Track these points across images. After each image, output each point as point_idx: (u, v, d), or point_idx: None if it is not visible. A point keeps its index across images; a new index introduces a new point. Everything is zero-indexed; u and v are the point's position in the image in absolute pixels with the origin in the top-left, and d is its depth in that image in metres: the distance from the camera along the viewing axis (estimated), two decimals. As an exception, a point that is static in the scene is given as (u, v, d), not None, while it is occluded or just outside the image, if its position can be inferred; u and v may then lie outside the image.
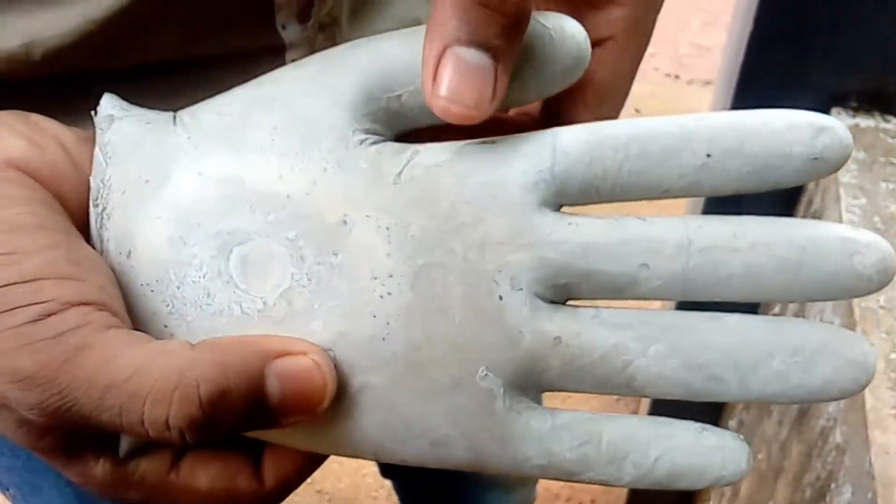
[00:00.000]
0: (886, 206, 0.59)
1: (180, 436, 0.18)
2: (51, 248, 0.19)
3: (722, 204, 0.83)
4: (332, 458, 0.23)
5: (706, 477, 0.20)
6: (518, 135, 0.21)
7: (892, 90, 0.71)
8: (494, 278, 0.20)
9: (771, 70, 0.75)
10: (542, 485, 0.99)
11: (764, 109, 0.20)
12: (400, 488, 0.76)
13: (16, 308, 0.18)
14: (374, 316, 0.20)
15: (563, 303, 0.21)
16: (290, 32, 0.31)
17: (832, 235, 0.19)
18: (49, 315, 0.18)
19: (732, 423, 0.82)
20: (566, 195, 0.20)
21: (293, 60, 0.32)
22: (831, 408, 0.52)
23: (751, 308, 0.21)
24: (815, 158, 0.19)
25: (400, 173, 0.20)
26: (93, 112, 0.22)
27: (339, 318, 0.20)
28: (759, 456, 0.69)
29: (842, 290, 0.19)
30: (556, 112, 0.25)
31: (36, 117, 0.22)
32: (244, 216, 0.20)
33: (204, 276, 0.20)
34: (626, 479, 0.20)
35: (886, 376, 0.45)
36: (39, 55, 0.26)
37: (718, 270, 0.20)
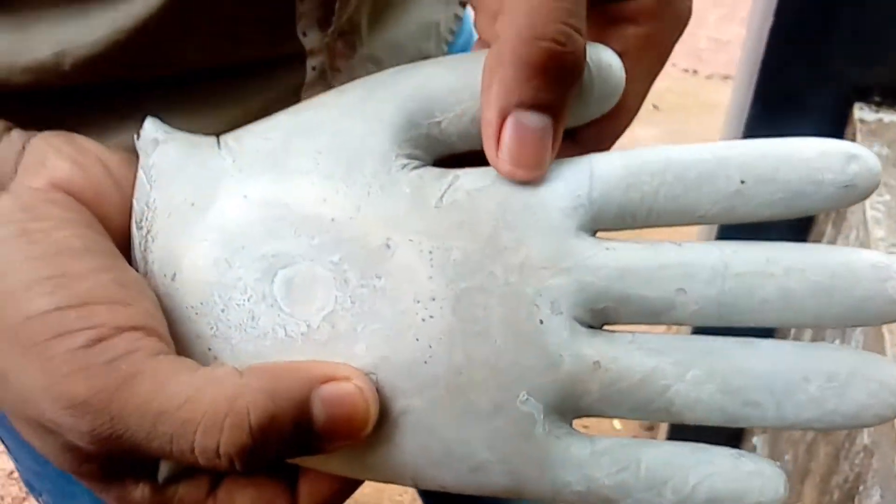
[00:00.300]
0: (913, 203, 0.58)
1: (230, 463, 0.18)
2: (100, 272, 0.19)
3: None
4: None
5: (745, 502, 0.20)
6: (556, 160, 0.21)
7: (917, 84, 0.70)
8: (535, 302, 0.20)
9: (792, 64, 0.74)
10: None
11: (795, 137, 0.20)
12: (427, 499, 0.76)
13: (68, 333, 0.18)
14: (417, 339, 0.20)
15: (601, 327, 0.21)
16: (310, 39, 0.31)
17: (864, 261, 0.20)
18: (101, 340, 0.18)
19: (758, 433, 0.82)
20: (603, 220, 0.21)
21: (313, 67, 0.32)
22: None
23: (767, 331, 0.21)
24: (847, 186, 0.20)
25: (441, 197, 0.21)
26: (135, 136, 0.22)
27: (382, 341, 0.20)
28: (786, 457, 0.69)
29: (875, 316, 0.20)
30: None
31: (80, 139, 0.22)
32: (288, 239, 0.20)
33: (249, 299, 0.20)
34: None
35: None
36: (69, 65, 0.26)
37: (753, 295, 0.20)
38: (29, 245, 0.19)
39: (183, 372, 0.18)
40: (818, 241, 0.74)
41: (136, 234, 0.21)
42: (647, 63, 0.23)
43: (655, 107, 1.47)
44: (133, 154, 0.22)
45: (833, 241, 0.69)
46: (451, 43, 0.41)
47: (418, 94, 0.21)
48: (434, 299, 0.20)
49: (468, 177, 0.21)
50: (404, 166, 0.21)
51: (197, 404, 0.18)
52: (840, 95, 0.72)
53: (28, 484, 0.44)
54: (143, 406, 0.18)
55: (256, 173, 0.21)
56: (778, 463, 0.21)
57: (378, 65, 0.35)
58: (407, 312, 0.20)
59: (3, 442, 0.41)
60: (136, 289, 0.20)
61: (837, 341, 0.56)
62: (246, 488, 0.21)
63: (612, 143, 0.24)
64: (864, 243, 0.56)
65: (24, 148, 0.21)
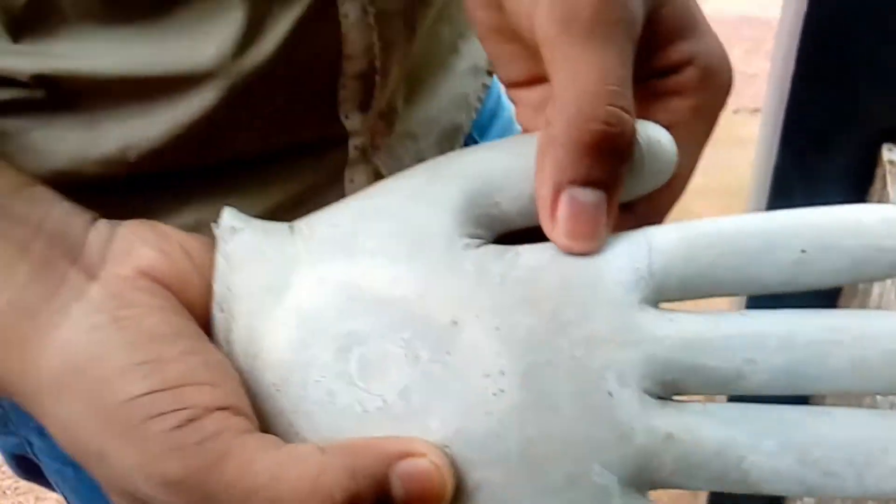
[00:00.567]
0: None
1: None
2: (189, 355, 0.20)
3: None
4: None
5: None
6: (613, 235, 0.21)
7: (945, 122, 0.70)
8: (603, 375, 0.20)
9: (819, 104, 0.74)
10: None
11: (855, 204, 0.20)
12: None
13: (162, 414, 0.19)
14: (489, 413, 0.20)
15: (670, 398, 0.21)
16: (352, 122, 0.33)
17: None
18: (192, 420, 0.19)
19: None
20: (665, 292, 0.21)
21: (355, 147, 0.34)
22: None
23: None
24: None
25: (505, 274, 0.21)
26: (213, 224, 0.23)
27: (455, 415, 0.21)
28: None
29: None
30: None
31: (162, 226, 0.23)
32: (360, 319, 0.21)
33: (326, 377, 0.21)
34: None
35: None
36: (134, 157, 0.29)
37: (824, 364, 0.20)
38: (121, 332, 0.20)
39: (268, 449, 0.19)
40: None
41: (218, 317, 0.22)
42: (695, 134, 0.23)
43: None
44: (203, 235, 0.24)
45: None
46: (478, 110, 0.42)
47: (478, 177, 0.22)
48: (503, 374, 0.21)
49: (529, 253, 0.22)
50: (467, 245, 0.22)
51: (283, 482, 0.19)
52: (868, 135, 0.72)
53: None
54: (233, 484, 0.19)
55: (328, 257, 0.22)
56: None
57: (414, 139, 0.37)
58: (477, 387, 0.21)
59: (67, 500, 0.43)
60: (221, 370, 0.21)
61: None
62: None
63: (667, 212, 0.25)
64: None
65: (111, 237, 0.22)
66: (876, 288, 0.65)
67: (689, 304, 0.21)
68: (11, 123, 0.28)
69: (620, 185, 0.20)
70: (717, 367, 0.20)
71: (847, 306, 0.72)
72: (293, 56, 0.29)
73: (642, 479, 0.20)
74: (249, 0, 0.27)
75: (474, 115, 0.42)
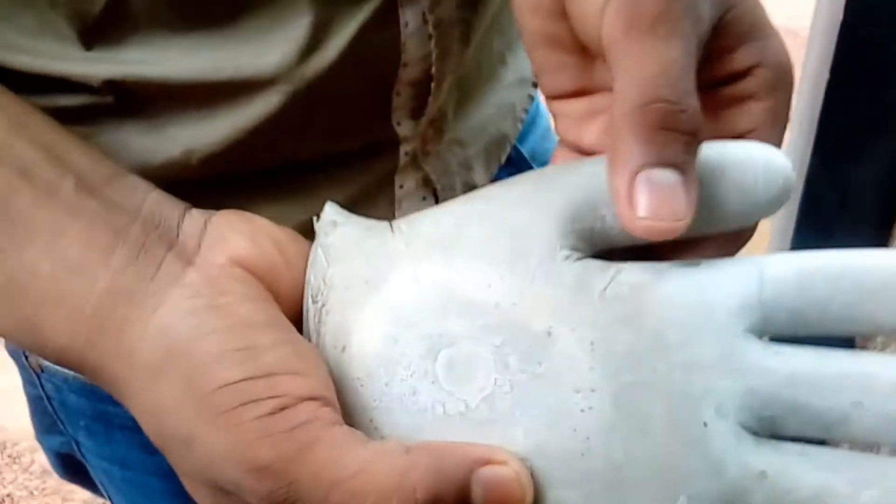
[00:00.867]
0: None
1: None
2: (282, 344, 0.20)
3: (811, 237, 0.82)
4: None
5: None
6: (722, 259, 0.21)
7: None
8: (700, 403, 0.19)
9: (853, 111, 0.74)
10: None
11: None
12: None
13: (255, 401, 0.19)
14: (575, 430, 0.20)
15: (767, 438, 0.20)
16: (404, 128, 0.34)
17: None
18: (284, 408, 0.19)
19: None
20: (773, 323, 0.20)
21: (406, 153, 0.35)
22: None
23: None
24: None
25: (605, 289, 0.21)
26: (315, 217, 0.24)
27: (539, 428, 0.20)
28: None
29: None
30: None
31: (255, 217, 0.23)
32: (453, 320, 0.21)
33: (412, 375, 0.21)
34: None
35: None
36: (196, 160, 0.29)
37: None
38: (218, 318, 0.20)
39: (356, 444, 0.19)
40: None
41: (310, 308, 0.22)
42: (774, 136, 0.23)
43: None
44: (290, 229, 0.24)
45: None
46: (524, 121, 0.43)
47: (584, 188, 0.22)
48: (594, 391, 0.20)
49: (631, 270, 0.21)
50: (567, 257, 0.21)
51: (369, 476, 0.19)
52: (903, 143, 0.72)
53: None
54: (319, 473, 0.19)
55: (427, 257, 0.22)
56: None
57: (462, 146, 0.38)
58: (566, 402, 0.20)
59: (111, 501, 0.43)
60: (312, 360, 0.21)
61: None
62: None
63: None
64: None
65: (205, 226, 0.22)
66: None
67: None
68: (80, 129, 0.28)
69: (693, 166, 0.20)
70: (821, 406, 0.19)
71: None
72: (353, 63, 0.29)
73: None
74: (316, 7, 0.28)
75: (520, 126, 0.42)
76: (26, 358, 0.39)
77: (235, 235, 0.22)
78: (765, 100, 0.23)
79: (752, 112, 0.23)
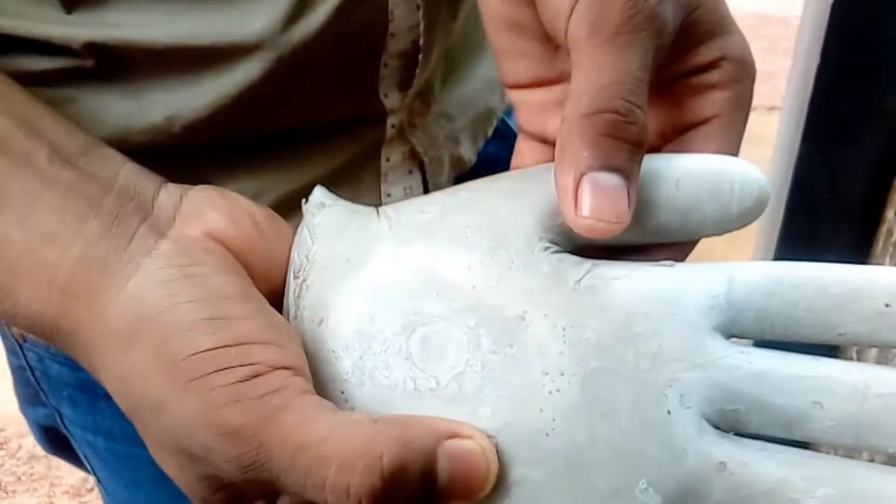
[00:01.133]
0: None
1: None
2: (255, 316, 0.21)
3: (799, 235, 0.82)
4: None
5: None
6: (694, 263, 0.22)
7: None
8: (664, 392, 0.20)
9: (843, 98, 0.74)
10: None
11: None
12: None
13: (228, 368, 0.19)
14: (541, 410, 0.20)
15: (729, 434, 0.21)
16: (391, 100, 0.34)
17: None
18: (256, 376, 0.19)
19: None
20: (740, 325, 0.21)
21: (392, 125, 0.34)
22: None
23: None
24: None
25: (580, 280, 0.21)
26: (304, 200, 0.24)
27: (507, 407, 0.20)
28: None
29: None
30: None
31: (232, 194, 0.23)
32: (431, 300, 0.22)
33: (385, 350, 0.21)
34: None
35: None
36: (179, 127, 0.29)
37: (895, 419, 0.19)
38: (191, 287, 0.20)
39: (325, 412, 0.20)
40: None
41: (291, 283, 0.23)
42: (735, 123, 0.24)
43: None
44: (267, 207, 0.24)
45: None
46: None
47: None
48: (563, 374, 0.20)
49: (606, 266, 0.22)
50: (546, 248, 0.22)
51: (335, 443, 0.19)
52: (891, 130, 0.72)
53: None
54: (287, 438, 0.19)
55: (410, 240, 0.23)
56: None
57: (449, 119, 0.38)
58: (535, 384, 0.20)
59: (95, 474, 0.43)
60: (285, 332, 0.21)
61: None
62: None
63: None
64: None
65: (180, 199, 0.23)
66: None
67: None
68: (60, 92, 0.28)
69: (636, 173, 0.21)
70: (782, 405, 0.20)
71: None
72: (339, 32, 0.29)
73: None
74: None
75: (506, 101, 0.42)
76: (8, 327, 0.39)
77: (212, 210, 0.22)
78: (727, 89, 0.24)
79: (716, 100, 0.24)
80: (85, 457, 0.42)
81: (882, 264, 0.72)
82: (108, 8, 0.27)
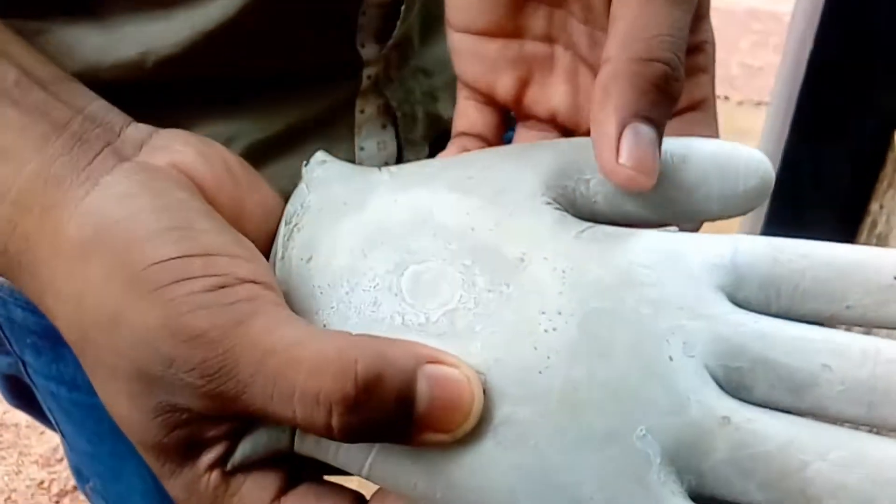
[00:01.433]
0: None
1: (328, 415, 0.17)
2: (221, 232, 0.20)
3: (783, 223, 0.82)
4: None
5: None
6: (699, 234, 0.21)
7: (957, 112, 0.70)
8: (666, 338, 0.19)
9: (833, 91, 0.74)
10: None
11: None
12: None
13: (192, 278, 0.18)
14: (535, 348, 0.19)
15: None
16: (368, 51, 0.33)
17: None
18: (223, 287, 0.18)
19: None
20: (745, 291, 0.20)
21: (368, 76, 0.34)
22: None
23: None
24: None
25: (581, 231, 0.21)
26: (304, 162, 0.24)
27: (499, 344, 0.19)
28: None
29: None
30: None
31: (206, 138, 0.23)
32: (426, 240, 0.21)
33: (375, 287, 0.21)
34: None
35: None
36: (152, 63, 0.28)
37: None
38: (154, 199, 0.19)
39: (297, 322, 0.19)
40: None
41: (282, 228, 0.22)
42: (714, 105, 0.24)
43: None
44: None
45: None
46: None
47: (573, 151, 0.22)
48: (560, 313, 0.19)
49: (608, 227, 0.21)
50: (548, 203, 0.22)
51: (306, 348, 0.18)
52: (881, 122, 0.72)
53: (76, 472, 0.45)
54: (255, 342, 0.18)
55: (409, 186, 0.22)
56: None
57: (428, 76, 0.37)
58: (530, 321, 0.19)
59: (58, 428, 0.43)
60: (254, 251, 0.20)
61: None
62: (318, 499, 0.20)
63: None
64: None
65: (150, 134, 0.22)
66: None
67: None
68: (28, 24, 0.27)
69: (662, 132, 0.21)
70: (790, 365, 0.19)
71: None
72: None
73: (689, 462, 0.18)
74: None
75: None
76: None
77: (183, 146, 0.21)
78: (709, 72, 0.24)
79: (703, 84, 0.24)
80: (49, 410, 0.42)
81: None
82: None
